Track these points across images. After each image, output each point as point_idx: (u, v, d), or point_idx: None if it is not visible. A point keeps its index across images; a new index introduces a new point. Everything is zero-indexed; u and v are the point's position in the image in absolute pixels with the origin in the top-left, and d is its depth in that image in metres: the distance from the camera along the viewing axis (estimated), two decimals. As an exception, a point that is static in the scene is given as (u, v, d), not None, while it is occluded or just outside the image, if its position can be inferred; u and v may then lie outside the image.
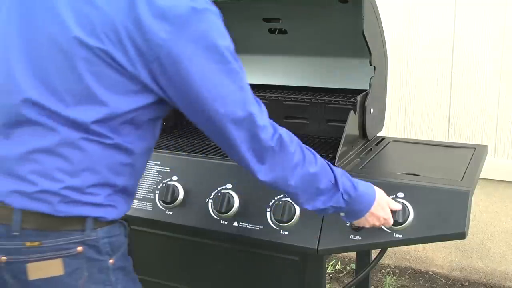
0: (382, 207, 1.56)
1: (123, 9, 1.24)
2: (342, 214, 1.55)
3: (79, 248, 1.33)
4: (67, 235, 1.31)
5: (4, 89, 1.32)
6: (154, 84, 1.30)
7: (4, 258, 1.31)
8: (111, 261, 1.39)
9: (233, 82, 1.37)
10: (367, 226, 1.57)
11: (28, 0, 1.32)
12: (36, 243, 1.30)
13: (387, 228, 1.62)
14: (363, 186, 1.53)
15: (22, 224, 1.29)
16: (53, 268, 1.31)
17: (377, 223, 1.57)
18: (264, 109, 1.44)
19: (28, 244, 1.30)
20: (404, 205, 1.61)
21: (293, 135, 1.48)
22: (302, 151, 1.46)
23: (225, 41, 1.34)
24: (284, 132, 1.46)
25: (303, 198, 1.47)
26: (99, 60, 1.26)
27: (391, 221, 1.58)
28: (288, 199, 1.71)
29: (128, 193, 1.44)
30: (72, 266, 1.33)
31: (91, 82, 1.27)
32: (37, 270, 1.31)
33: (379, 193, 1.56)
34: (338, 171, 1.51)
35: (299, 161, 1.44)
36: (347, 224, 1.63)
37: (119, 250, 1.42)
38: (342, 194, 1.48)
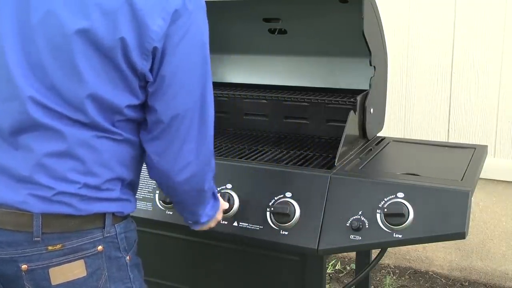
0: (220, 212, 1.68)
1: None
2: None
3: (100, 247, 1.34)
4: (88, 233, 1.32)
5: (7, 95, 1.30)
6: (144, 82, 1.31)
7: (25, 266, 1.29)
8: (128, 257, 1.42)
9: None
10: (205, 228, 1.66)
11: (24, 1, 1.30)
12: (58, 246, 1.29)
13: (387, 228, 1.62)
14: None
15: (43, 229, 1.28)
16: (76, 270, 1.32)
17: (212, 225, 1.67)
18: None
19: (50, 248, 1.29)
20: (404, 205, 1.61)
21: None
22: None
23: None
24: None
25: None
26: (99, 56, 1.25)
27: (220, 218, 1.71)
28: (288, 199, 1.71)
29: (134, 186, 1.46)
30: (93, 266, 1.33)
31: (93, 80, 1.26)
32: (60, 274, 1.30)
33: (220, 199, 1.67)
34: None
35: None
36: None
37: (133, 246, 1.46)
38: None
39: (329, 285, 3.42)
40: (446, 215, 1.58)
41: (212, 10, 2.37)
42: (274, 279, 1.88)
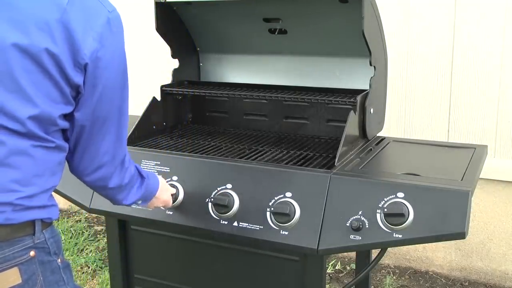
0: (165, 191, 1.80)
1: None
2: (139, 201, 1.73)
3: (32, 253, 1.37)
4: (19, 241, 1.35)
5: None
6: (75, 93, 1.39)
7: None
8: (59, 260, 1.45)
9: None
10: (152, 207, 1.82)
11: None
12: None
13: (387, 228, 1.62)
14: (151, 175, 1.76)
15: None
16: (10, 278, 1.34)
17: (161, 205, 1.82)
18: None
19: None
20: (404, 205, 1.61)
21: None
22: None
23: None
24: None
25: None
26: (36, 67, 1.30)
27: (171, 203, 1.84)
28: (288, 199, 1.71)
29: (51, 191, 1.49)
30: (28, 272, 1.36)
31: (28, 88, 1.31)
32: None
33: (162, 180, 1.80)
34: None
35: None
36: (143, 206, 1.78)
37: (61, 249, 1.48)
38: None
39: (329, 285, 3.41)
40: (446, 215, 1.58)
41: (212, 10, 2.38)
42: (274, 279, 1.88)
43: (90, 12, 1.36)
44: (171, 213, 1.87)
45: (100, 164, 1.51)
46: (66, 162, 1.51)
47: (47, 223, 1.42)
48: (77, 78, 1.36)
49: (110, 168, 1.53)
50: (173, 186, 1.87)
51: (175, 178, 1.89)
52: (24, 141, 1.33)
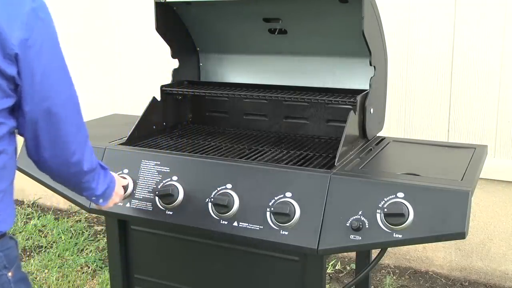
0: (119, 186, 1.80)
1: None
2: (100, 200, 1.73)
3: None
4: None
5: None
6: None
7: None
8: (9, 274, 1.41)
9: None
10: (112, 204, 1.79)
11: None
12: None
13: (387, 228, 1.62)
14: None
15: None
16: None
17: (118, 200, 1.81)
18: None
19: None
20: (404, 205, 1.61)
21: None
22: None
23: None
24: None
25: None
26: None
27: (123, 193, 1.85)
28: (288, 199, 1.71)
29: (7, 198, 1.44)
30: None
31: None
32: None
33: (115, 175, 1.81)
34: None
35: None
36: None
37: (15, 262, 1.44)
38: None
39: (329, 285, 3.41)
40: (446, 215, 1.58)
41: (212, 10, 2.38)
42: (274, 279, 1.88)
43: (11, 3, 1.34)
44: (171, 213, 1.87)
45: (73, 151, 1.50)
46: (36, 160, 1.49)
47: None
48: (10, 70, 1.34)
49: (80, 149, 1.52)
50: (124, 178, 1.92)
51: (175, 178, 1.89)
52: None
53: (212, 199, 1.80)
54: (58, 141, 1.46)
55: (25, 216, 4.39)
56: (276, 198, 1.74)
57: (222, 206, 1.77)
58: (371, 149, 2.09)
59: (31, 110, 1.40)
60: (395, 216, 1.61)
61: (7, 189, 1.43)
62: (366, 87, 2.07)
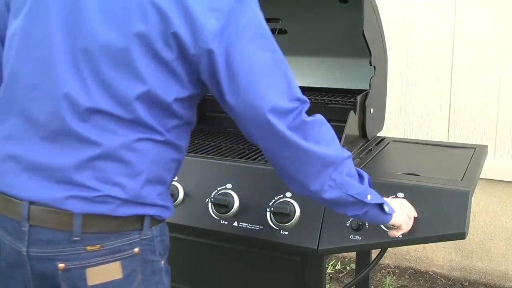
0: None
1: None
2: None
3: (136, 250, 1.32)
4: (126, 235, 1.30)
5: (48, 95, 1.28)
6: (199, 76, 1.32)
7: (62, 265, 1.27)
8: (162, 262, 1.40)
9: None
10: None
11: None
12: (97, 247, 1.28)
13: (387, 228, 1.62)
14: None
15: (83, 228, 1.26)
16: (112, 271, 1.30)
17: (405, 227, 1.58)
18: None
19: (89, 248, 1.27)
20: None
21: None
22: None
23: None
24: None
25: None
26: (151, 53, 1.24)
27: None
28: (288, 199, 1.71)
29: (168, 190, 1.44)
30: (129, 268, 1.32)
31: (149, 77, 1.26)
32: (97, 275, 1.29)
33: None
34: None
35: None
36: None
37: (167, 252, 1.43)
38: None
39: (329, 285, 3.42)
40: (446, 215, 1.58)
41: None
42: (274, 279, 1.88)
43: None
44: (171, 213, 1.87)
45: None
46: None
47: (157, 220, 1.37)
48: (199, 60, 1.27)
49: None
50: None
51: (175, 178, 1.89)
52: (130, 134, 1.27)
53: (212, 199, 1.80)
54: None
55: None
56: (276, 198, 1.74)
57: (222, 206, 1.77)
58: (371, 149, 2.09)
59: (235, 103, 1.41)
60: (395, 216, 1.60)
61: (171, 181, 1.43)
62: (366, 87, 2.07)
